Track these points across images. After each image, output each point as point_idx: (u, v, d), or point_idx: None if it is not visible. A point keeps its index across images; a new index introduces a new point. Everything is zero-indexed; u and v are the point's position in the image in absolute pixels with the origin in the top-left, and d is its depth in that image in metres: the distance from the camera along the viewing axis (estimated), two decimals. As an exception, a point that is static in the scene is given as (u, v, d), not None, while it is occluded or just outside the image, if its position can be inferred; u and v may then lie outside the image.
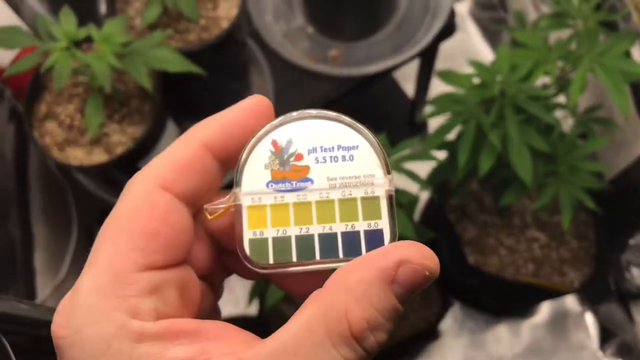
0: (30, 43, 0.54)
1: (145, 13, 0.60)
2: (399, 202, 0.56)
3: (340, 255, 0.23)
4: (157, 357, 0.20)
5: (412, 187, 0.56)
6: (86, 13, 0.60)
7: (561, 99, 0.62)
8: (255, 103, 0.24)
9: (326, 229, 0.23)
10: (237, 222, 0.23)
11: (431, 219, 0.83)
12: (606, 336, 0.82)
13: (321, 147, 0.24)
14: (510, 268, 0.72)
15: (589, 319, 0.84)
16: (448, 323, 0.84)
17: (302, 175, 0.24)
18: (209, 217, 0.23)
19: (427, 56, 0.76)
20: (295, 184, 0.23)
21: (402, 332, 0.74)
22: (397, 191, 0.55)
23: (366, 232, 0.23)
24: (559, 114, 0.65)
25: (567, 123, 0.78)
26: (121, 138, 0.59)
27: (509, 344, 0.83)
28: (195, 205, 0.24)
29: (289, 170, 0.23)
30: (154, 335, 0.20)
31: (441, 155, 0.64)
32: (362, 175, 0.24)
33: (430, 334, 0.81)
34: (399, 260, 0.20)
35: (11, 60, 0.62)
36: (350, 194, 0.23)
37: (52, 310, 0.23)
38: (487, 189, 0.75)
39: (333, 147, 0.24)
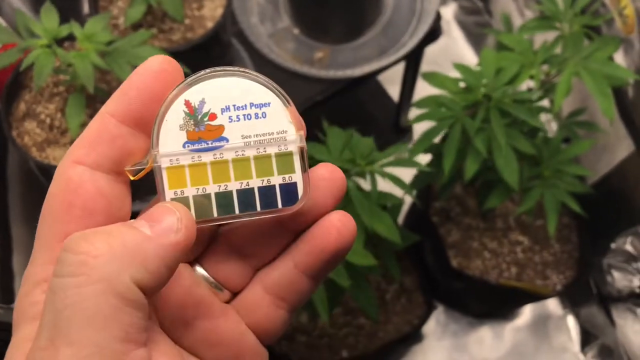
0: (9, 40, 0.53)
1: (128, 12, 0.59)
2: (384, 205, 0.56)
3: (258, 208, 0.25)
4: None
5: (397, 190, 0.56)
6: (69, 13, 0.59)
7: (545, 102, 0.62)
8: (155, 65, 0.24)
9: (243, 184, 0.24)
10: (158, 183, 0.24)
11: (415, 221, 0.83)
12: (587, 339, 0.83)
13: (234, 105, 0.24)
14: (494, 271, 0.73)
15: (571, 321, 0.85)
16: (431, 326, 0.84)
17: (217, 135, 0.24)
18: (132, 177, 0.24)
19: (413, 60, 0.76)
20: (211, 144, 0.24)
21: (385, 335, 0.74)
22: (383, 194, 0.55)
23: (281, 186, 0.25)
24: (542, 118, 0.65)
25: (550, 127, 0.78)
26: (103, 138, 0.58)
27: (492, 347, 0.84)
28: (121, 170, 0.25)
29: (203, 131, 0.24)
30: None
31: (426, 158, 0.64)
32: (275, 132, 0.24)
33: (413, 337, 0.81)
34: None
35: (-10, 58, 0.61)
36: (265, 151, 0.24)
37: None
38: (471, 193, 0.76)
39: (245, 105, 0.24)
